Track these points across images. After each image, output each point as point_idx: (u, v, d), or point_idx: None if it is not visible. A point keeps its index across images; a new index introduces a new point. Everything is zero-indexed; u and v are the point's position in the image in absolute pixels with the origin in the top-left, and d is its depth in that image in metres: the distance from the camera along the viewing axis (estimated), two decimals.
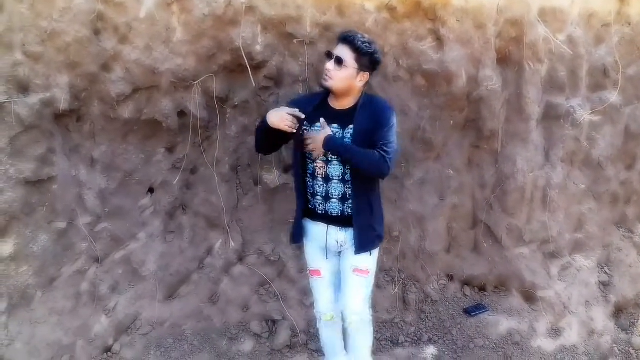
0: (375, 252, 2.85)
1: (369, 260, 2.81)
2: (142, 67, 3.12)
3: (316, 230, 2.84)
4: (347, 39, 2.57)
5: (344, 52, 2.57)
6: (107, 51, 3.03)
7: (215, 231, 3.65)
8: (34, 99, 2.93)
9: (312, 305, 3.63)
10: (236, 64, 3.29)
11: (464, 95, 3.60)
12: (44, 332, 3.15)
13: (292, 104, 2.78)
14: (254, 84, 3.34)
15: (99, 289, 3.34)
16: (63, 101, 3.00)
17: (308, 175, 2.79)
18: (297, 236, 2.91)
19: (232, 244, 3.64)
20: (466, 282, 3.99)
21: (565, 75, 3.79)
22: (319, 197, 2.77)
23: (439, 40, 3.48)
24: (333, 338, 3.06)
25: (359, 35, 2.58)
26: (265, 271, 3.68)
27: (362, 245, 2.73)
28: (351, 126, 2.63)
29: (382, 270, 3.83)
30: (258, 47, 3.27)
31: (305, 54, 3.36)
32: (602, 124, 3.99)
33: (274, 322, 3.59)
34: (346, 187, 2.71)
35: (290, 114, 2.57)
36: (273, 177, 3.64)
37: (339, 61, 2.56)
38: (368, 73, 2.63)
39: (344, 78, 2.59)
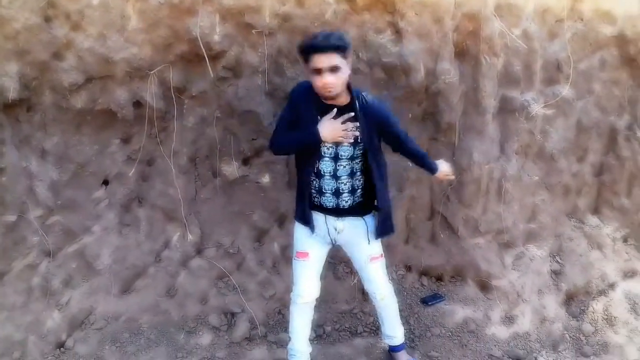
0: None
1: (378, 245, 3.04)
2: (95, 55, 3.04)
3: (314, 218, 2.92)
4: (327, 45, 2.48)
5: (333, 58, 2.50)
6: (58, 39, 2.94)
7: (172, 224, 3.60)
8: None
9: (271, 297, 3.65)
10: (193, 53, 3.24)
11: (422, 88, 3.63)
12: None
13: (293, 98, 2.82)
14: (211, 75, 3.30)
15: (51, 283, 3.27)
16: (12, 90, 2.91)
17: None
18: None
19: (190, 236, 3.60)
20: (424, 272, 4.04)
21: (520, 70, 3.86)
22: (313, 191, 2.88)
23: (398, 33, 3.49)
24: (303, 324, 3.06)
25: (332, 36, 2.52)
26: (224, 264, 3.66)
27: (384, 230, 2.97)
28: (357, 123, 2.69)
29: (341, 261, 3.85)
30: (216, 37, 3.22)
31: (264, 44, 3.33)
32: (555, 118, 4.08)
33: (233, 314, 3.57)
34: (338, 183, 2.81)
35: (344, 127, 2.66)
36: (232, 169, 3.60)
37: (335, 69, 2.52)
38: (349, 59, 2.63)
39: (343, 80, 2.59)
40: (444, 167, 3.11)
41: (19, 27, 2.83)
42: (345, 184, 2.82)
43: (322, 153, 2.75)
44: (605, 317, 3.98)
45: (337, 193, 2.83)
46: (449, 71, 3.63)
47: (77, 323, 3.33)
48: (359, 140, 2.71)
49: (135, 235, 3.52)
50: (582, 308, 4.04)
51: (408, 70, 3.53)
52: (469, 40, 3.68)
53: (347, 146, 2.73)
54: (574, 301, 4.09)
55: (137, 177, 3.49)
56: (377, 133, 2.78)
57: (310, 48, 2.52)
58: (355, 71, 3.53)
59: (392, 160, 3.79)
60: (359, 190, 2.88)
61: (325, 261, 3.08)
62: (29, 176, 3.16)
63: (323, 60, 2.49)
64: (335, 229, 2.90)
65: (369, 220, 2.96)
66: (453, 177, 3.21)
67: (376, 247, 3.02)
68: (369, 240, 2.96)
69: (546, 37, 3.95)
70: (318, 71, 2.52)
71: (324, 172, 2.79)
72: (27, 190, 3.16)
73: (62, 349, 3.25)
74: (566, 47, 3.98)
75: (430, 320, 3.72)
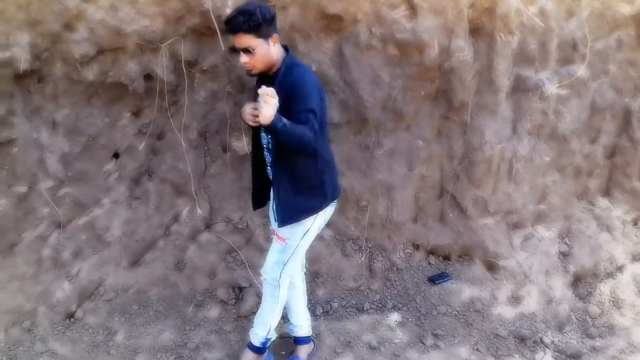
0: (300, 225, 2.72)
1: (287, 230, 2.73)
2: (107, 27, 3.01)
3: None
4: (235, 28, 2.38)
5: (244, 39, 2.40)
6: (69, 10, 2.90)
7: (182, 198, 3.61)
8: None
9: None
10: (205, 26, 3.20)
11: (435, 66, 3.58)
12: (4, 298, 3.10)
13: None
14: (223, 48, 3.26)
15: (61, 254, 3.29)
16: (23, 61, 2.88)
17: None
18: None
19: (199, 211, 3.61)
20: (431, 251, 4.05)
21: (536, 48, 3.80)
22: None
23: (412, 9, 3.43)
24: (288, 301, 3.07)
25: (240, 17, 2.37)
26: (232, 239, 3.67)
27: (281, 218, 2.68)
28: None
29: (349, 239, 3.87)
30: (228, 10, 3.16)
31: (277, 18, 3.28)
32: (569, 98, 4.02)
33: (241, 289, 3.60)
34: (271, 155, 2.67)
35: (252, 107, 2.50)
36: (242, 144, 3.59)
37: (247, 51, 2.43)
38: (274, 34, 2.49)
39: (261, 58, 2.47)
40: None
41: None
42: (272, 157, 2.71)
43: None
44: (613, 299, 3.99)
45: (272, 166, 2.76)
46: (463, 49, 3.58)
47: (87, 294, 3.37)
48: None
49: (145, 209, 3.53)
50: (590, 290, 4.05)
51: (422, 47, 3.48)
52: (484, 18, 3.61)
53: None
54: (582, 283, 4.09)
55: (147, 151, 3.48)
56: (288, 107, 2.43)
57: (225, 28, 2.45)
58: (368, 47, 3.49)
59: (404, 137, 3.79)
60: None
61: None
62: (39, 147, 3.16)
63: (236, 41, 2.43)
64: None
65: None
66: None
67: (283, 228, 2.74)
68: (275, 217, 2.77)
69: (563, 16, 3.88)
70: (234, 50, 2.48)
71: (264, 145, 2.75)
72: (37, 161, 3.16)
73: (71, 319, 3.29)
74: (583, 26, 3.91)
75: (437, 299, 3.74)
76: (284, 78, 2.50)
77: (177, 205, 3.61)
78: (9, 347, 3.06)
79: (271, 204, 2.91)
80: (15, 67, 2.88)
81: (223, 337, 3.34)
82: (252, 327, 3.05)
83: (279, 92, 2.31)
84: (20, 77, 2.96)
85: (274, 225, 2.88)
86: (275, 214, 2.74)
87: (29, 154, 3.11)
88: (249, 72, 2.53)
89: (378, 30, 3.47)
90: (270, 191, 2.91)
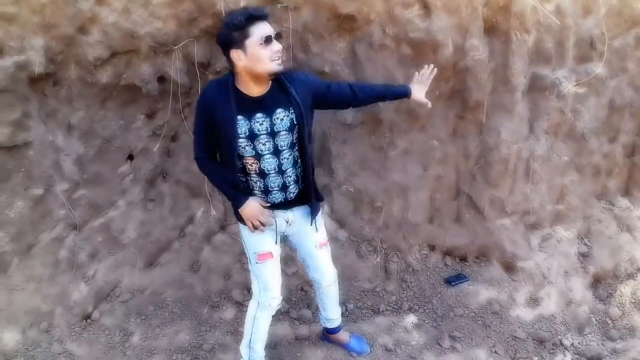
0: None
1: (324, 231, 2.89)
2: (120, 30, 3.03)
3: None
4: (267, 14, 2.31)
5: (271, 27, 2.31)
6: (83, 13, 2.94)
7: (196, 199, 3.62)
8: (7, 62, 2.84)
9: (293, 274, 3.65)
10: (218, 28, 3.17)
11: (450, 65, 3.54)
12: (21, 299, 3.14)
13: (204, 101, 2.45)
14: None
15: (77, 256, 3.32)
16: (38, 64, 2.92)
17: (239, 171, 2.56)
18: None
19: (214, 212, 3.61)
20: (447, 252, 4.01)
21: (552, 47, 3.74)
22: (257, 191, 2.60)
23: (426, 8, 3.41)
24: (267, 328, 2.88)
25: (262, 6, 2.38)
26: None
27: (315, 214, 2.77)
28: (279, 110, 2.41)
29: (364, 240, 3.84)
30: None
31: (289, 19, 3.28)
32: (587, 96, 3.96)
33: None
34: (284, 177, 2.57)
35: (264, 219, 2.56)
36: None
37: (278, 37, 2.37)
38: None
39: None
40: (417, 94, 2.80)
41: (45, 1, 2.83)
42: (290, 177, 2.59)
43: (260, 151, 2.45)
44: (634, 300, 3.90)
45: (284, 188, 2.59)
46: (478, 48, 3.54)
47: (103, 295, 3.39)
48: (294, 122, 2.44)
49: (160, 210, 3.55)
50: (610, 291, 3.97)
51: (436, 47, 3.45)
52: (499, 16, 3.57)
53: (286, 133, 2.45)
54: (602, 284, 4.01)
55: (161, 153, 3.51)
56: (314, 102, 2.52)
57: (253, 16, 2.25)
58: (381, 47, 3.48)
59: (419, 138, 3.76)
60: (301, 177, 2.64)
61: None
62: (55, 150, 3.20)
63: (268, 27, 2.29)
64: (287, 222, 2.71)
65: (314, 205, 2.72)
66: (429, 104, 2.86)
67: (324, 232, 2.87)
68: (316, 228, 2.78)
69: (580, 13, 3.82)
70: (268, 40, 2.27)
71: (269, 171, 2.52)
72: (53, 164, 3.20)
73: (88, 320, 3.32)
74: (600, 23, 3.84)
75: (454, 301, 3.70)
76: (291, 79, 2.45)
77: (191, 206, 3.62)
78: (26, 348, 3.10)
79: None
80: (31, 71, 2.92)
81: (238, 338, 3.31)
82: (331, 318, 3.16)
83: (297, 89, 2.42)
84: (35, 81, 3.00)
85: (322, 236, 2.88)
86: (309, 219, 2.76)
87: (45, 156, 3.15)
88: (280, 68, 2.34)
89: (391, 29, 3.45)
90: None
